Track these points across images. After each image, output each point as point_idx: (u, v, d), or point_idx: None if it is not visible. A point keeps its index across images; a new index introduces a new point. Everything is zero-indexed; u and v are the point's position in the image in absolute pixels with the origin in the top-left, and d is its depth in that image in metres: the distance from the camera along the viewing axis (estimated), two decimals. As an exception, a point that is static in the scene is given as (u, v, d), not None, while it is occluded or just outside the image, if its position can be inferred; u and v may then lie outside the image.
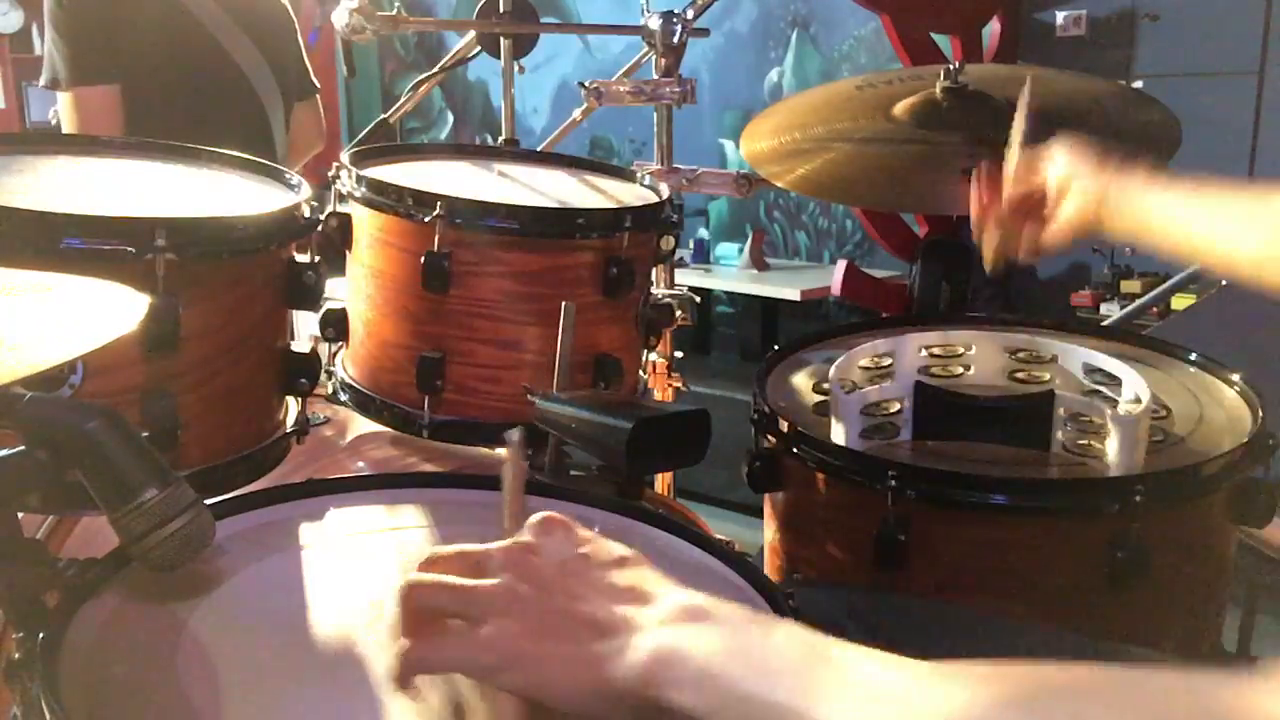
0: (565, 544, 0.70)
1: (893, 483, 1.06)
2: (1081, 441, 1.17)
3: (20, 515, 0.75)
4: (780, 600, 0.84)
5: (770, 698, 0.58)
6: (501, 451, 0.90)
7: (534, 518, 0.72)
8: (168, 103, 2.21)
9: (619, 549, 0.71)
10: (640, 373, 1.39)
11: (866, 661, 0.60)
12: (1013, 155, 1.22)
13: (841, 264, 3.82)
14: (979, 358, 1.33)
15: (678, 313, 1.58)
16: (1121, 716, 0.50)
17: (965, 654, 0.56)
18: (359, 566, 0.89)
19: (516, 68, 1.93)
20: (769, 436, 1.23)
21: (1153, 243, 1.09)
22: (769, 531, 1.30)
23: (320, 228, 1.18)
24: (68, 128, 2.20)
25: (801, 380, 1.37)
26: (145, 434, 0.75)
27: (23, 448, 0.71)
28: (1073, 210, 1.14)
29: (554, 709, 0.64)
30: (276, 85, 2.37)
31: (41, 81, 2.23)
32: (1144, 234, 1.10)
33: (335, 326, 1.29)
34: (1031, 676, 0.55)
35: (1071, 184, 1.14)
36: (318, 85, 2.58)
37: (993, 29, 4.13)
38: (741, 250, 4.95)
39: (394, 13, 1.91)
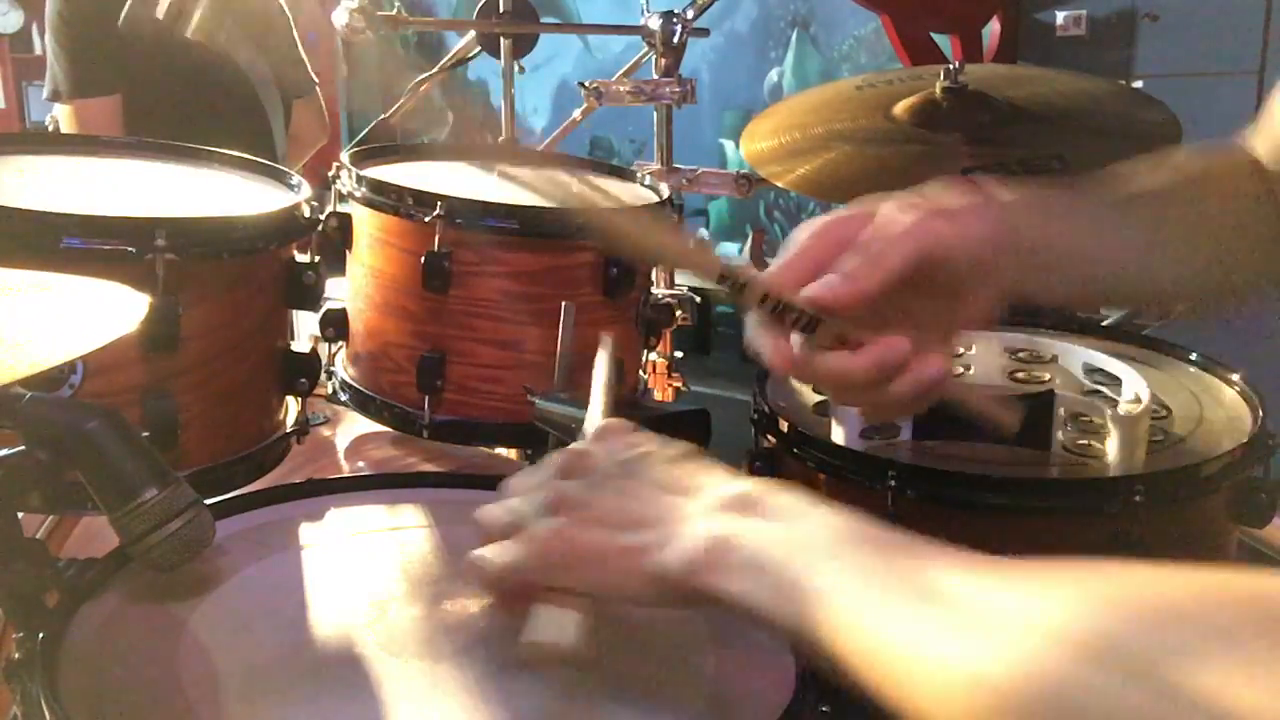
0: (620, 446, 0.72)
1: (893, 483, 1.06)
2: (1081, 441, 1.17)
3: (20, 515, 0.75)
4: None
5: (817, 586, 0.57)
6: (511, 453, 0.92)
7: (594, 427, 0.76)
8: (168, 104, 2.22)
9: (675, 447, 0.72)
10: (640, 373, 1.39)
11: (934, 564, 0.55)
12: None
13: (841, 264, 3.81)
14: (979, 358, 1.33)
15: (678, 313, 1.58)
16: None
17: None
18: (359, 566, 0.88)
19: (516, 68, 1.93)
20: (769, 436, 1.23)
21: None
22: (769, 531, 1.29)
23: (320, 228, 1.18)
24: None
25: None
26: (145, 434, 0.75)
27: (23, 448, 0.71)
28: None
29: (615, 602, 0.68)
30: (275, 83, 2.37)
31: (44, 94, 2.24)
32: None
33: (335, 326, 1.29)
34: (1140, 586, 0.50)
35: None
36: (316, 80, 2.59)
37: (993, 29, 4.13)
38: (741, 250, 4.95)
39: (394, 13, 1.91)
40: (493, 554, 0.69)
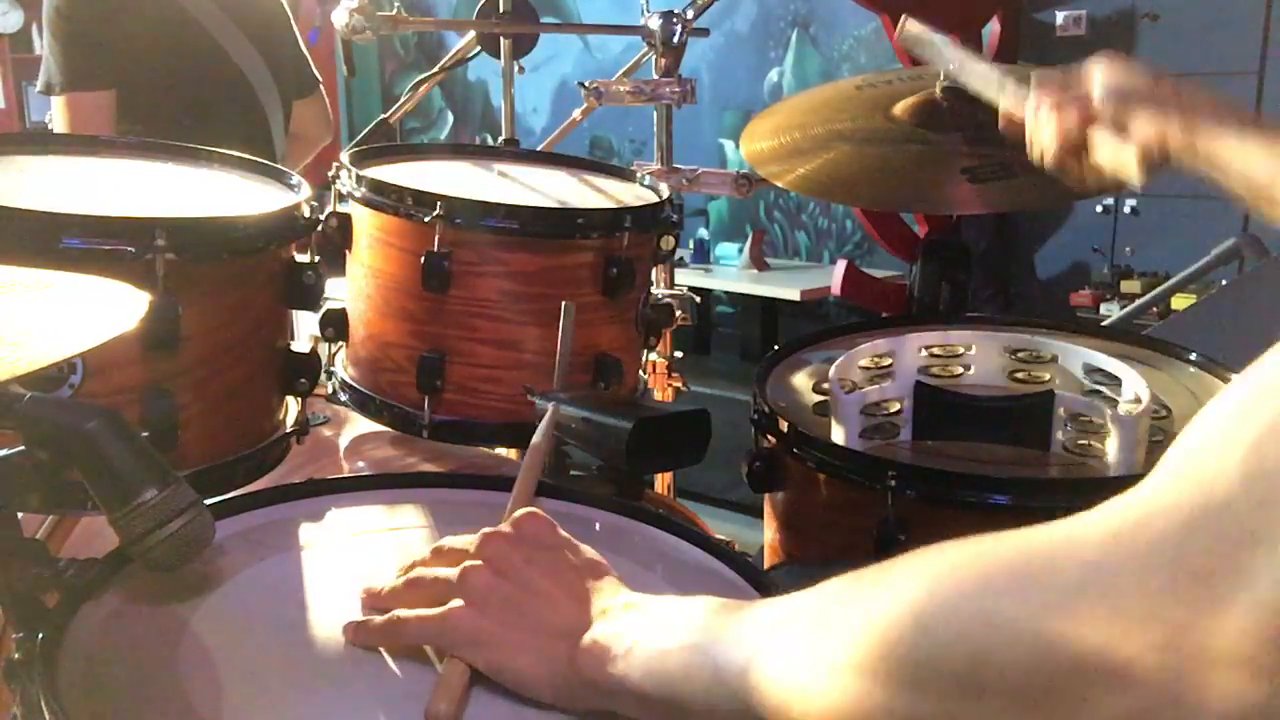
0: (540, 540, 0.76)
1: (893, 483, 1.06)
2: (1081, 441, 1.17)
3: (20, 515, 0.75)
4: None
5: (681, 645, 0.64)
6: (511, 453, 0.96)
7: (518, 512, 0.78)
8: (167, 103, 2.22)
9: (589, 555, 0.77)
10: (640, 373, 1.39)
11: (771, 601, 0.63)
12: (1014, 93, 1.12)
13: (841, 264, 3.82)
14: (979, 358, 1.33)
15: (678, 313, 1.58)
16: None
17: None
18: (359, 566, 0.88)
19: (516, 68, 1.93)
20: (769, 436, 1.23)
21: (1230, 186, 0.99)
22: (769, 531, 1.30)
23: (320, 228, 1.18)
24: (60, 131, 2.21)
25: (801, 380, 1.37)
26: (145, 434, 0.75)
27: (23, 448, 0.71)
28: (1135, 150, 1.01)
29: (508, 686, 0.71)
30: (275, 84, 2.37)
31: (38, 87, 2.23)
32: (1222, 175, 0.98)
33: (335, 326, 1.29)
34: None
35: (1128, 119, 1.02)
36: (319, 78, 2.59)
37: (993, 29, 4.13)
38: (741, 250, 4.95)
39: (394, 13, 1.91)
40: (400, 623, 0.74)
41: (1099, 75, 1.05)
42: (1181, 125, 0.99)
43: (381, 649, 0.75)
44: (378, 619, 0.75)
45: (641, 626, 0.68)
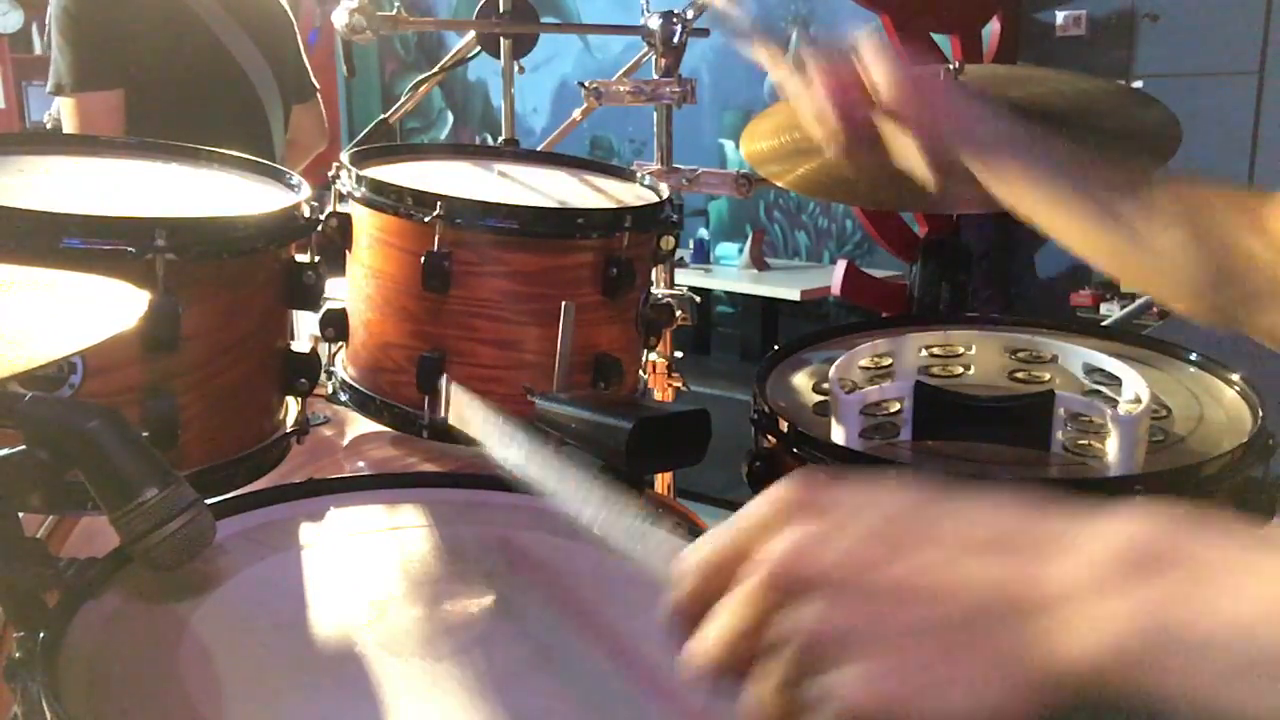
0: (851, 514, 0.49)
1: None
2: (1081, 441, 1.17)
3: (20, 515, 0.75)
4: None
5: None
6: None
7: (774, 490, 0.52)
8: (170, 103, 2.22)
9: (919, 490, 0.50)
10: (640, 373, 1.39)
11: None
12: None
13: (841, 264, 3.81)
14: (979, 358, 1.33)
15: (678, 313, 1.58)
16: None
17: None
18: (359, 566, 0.89)
19: (516, 68, 1.93)
20: (769, 436, 1.23)
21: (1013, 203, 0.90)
22: (769, 531, 1.29)
23: (320, 228, 1.18)
24: (70, 132, 2.20)
25: (801, 380, 1.36)
26: (145, 434, 0.75)
27: (23, 448, 0.71)
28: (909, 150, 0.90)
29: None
30: (276, 86, 2.37)
31: (47, 88, 2.23)
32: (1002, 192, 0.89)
33: (335, 326, 1.29)
34: None
35: (893, 119, 0.91)
36: (317, 86, 2.59)
37: (993, 29, 4.13)
38: (741, 250, 4.95)
39: (394, 13, 1.91)
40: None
41: (870, 53, 0.92)
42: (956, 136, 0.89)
43: (382, 649, 0.75)
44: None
45: (1213, 611, 0.43)
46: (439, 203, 1.14)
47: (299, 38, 2.53)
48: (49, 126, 2.63)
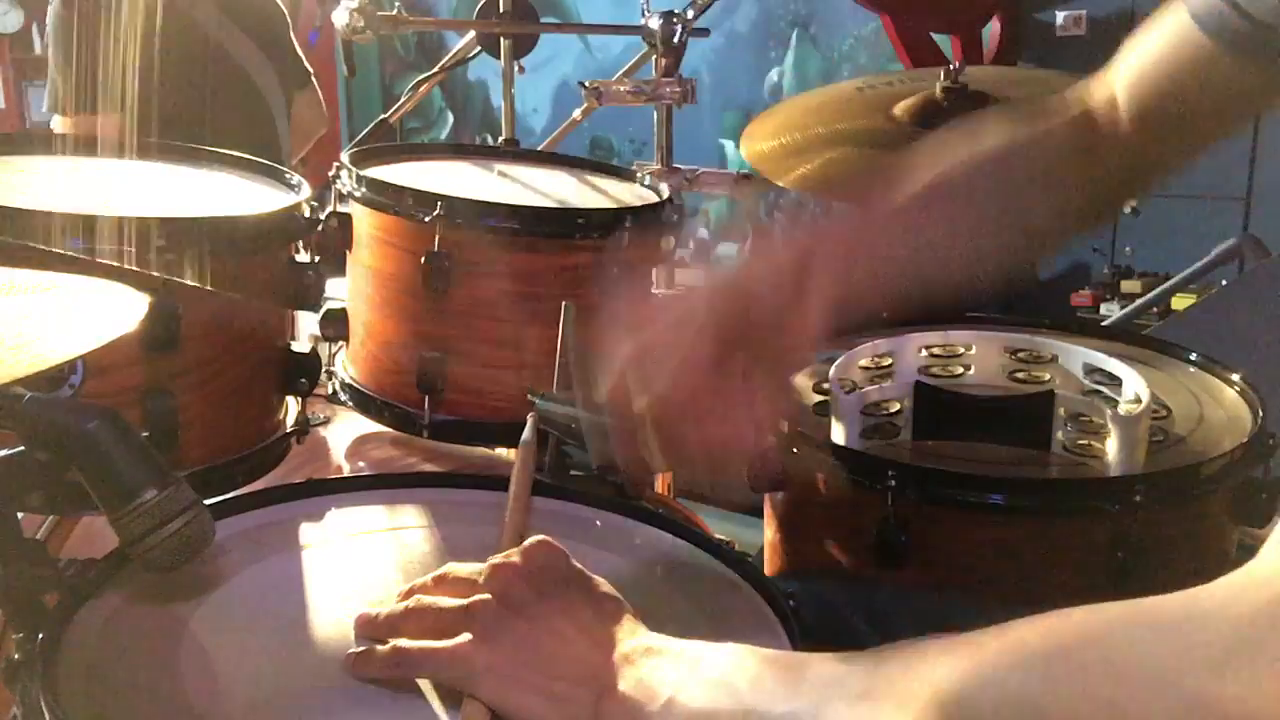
0: (553, 572, 0.73)
1: (893, 483, 1.05)
2: (1081, 441, 1.17)
3: (20, 515, 0.75)
4: (779, 600, 0.83)
5: (732, 707, 0.62)
6: (511, 453, 0.93)
7: (530, 540, 0.75)
8: (172, 106, 2.22)
9: (603, 588, 0.73)
10: (640, 373, 1.38)
11: (823, 660, 0.62)
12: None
13: (841, 264, 3.81)
14: (979, 358, 1.33)
15: (678, 313, 1.57)
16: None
17: None
18: (359, 566, 0.88)
19: (516, 68, 1.93)
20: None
21: None
22: (769, 531, 1.30)
23: (320, 228, 1.18)
24: None
25: (801, 380, 1.36)
26: (145, 434, 0.75)
27: (23, 448, 0.71)
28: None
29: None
30: (276, 78, 2.38)
31: (44, 105, 2.24)
32: None
33: (335, 326, 1.29)
34: (1007, 640, 0.54)
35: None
36: (311, 70, 2.60)
37: (993, 29, 4.13)
38: (741, 250, 4.95)
39: (394, 13, 1.91)
40: (407, 655, 0.71)
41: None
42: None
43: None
44: (380, 649, 0.72)
45: (678, 679, 0.65)
46: (439, 203, 1.14)
47: (291, 27, 2.54)
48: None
